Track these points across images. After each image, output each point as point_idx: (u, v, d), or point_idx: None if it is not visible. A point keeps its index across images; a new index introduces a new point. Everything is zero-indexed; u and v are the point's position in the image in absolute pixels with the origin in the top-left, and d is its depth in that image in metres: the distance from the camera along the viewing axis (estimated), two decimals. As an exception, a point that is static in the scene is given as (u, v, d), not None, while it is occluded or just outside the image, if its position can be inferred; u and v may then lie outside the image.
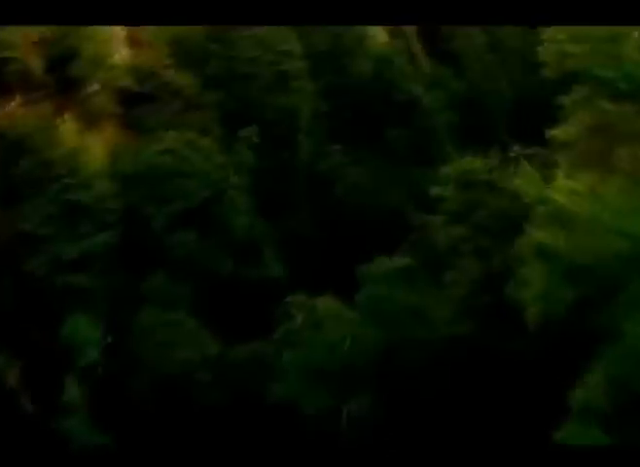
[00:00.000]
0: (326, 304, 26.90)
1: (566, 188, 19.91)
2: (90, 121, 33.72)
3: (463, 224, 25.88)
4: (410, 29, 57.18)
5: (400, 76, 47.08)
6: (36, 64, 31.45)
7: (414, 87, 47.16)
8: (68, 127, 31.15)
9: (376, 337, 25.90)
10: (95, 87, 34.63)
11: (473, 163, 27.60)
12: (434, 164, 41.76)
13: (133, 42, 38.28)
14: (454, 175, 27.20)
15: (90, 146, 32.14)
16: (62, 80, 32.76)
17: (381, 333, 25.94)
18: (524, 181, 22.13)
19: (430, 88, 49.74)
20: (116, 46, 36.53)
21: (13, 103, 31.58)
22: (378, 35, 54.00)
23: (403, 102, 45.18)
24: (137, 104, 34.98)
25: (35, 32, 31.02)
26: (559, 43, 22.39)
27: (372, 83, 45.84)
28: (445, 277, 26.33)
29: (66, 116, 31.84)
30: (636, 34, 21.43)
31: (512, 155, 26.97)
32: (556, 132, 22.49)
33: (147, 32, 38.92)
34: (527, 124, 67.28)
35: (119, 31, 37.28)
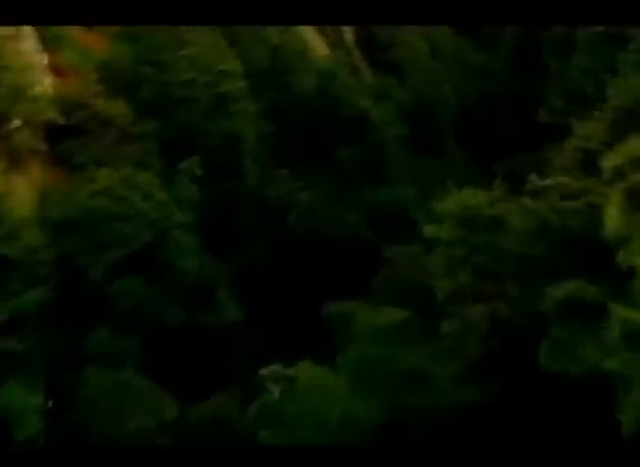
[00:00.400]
0: (306, 372, 22.99)
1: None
2: (14, 160, 30.48)
3: (465, 267, 22.39)
4: (349, 39, 55.42)
5: (344, 90, 45.08)
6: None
7: (361, 100, 45.31)
8: (-12, 170, 27.91)
9: (370, 408, 22.03)
10: (17, 122, 31.28)
11: (475, 197, 24.09)
12: (388, 182, 40.04)
13: (56, 70, 35.05)
14: (454, 211, 23.50)
15: (15, 190, 28.95)
16: (-22, 117, 29.44)
17: (376, 402, 22.17)
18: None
19: (376, 100, 47.97)
20: (37, 75, 33.21)
21: None
22: (318, 48, 52.03)
23: (350, 117, 43.16)
24: (65, 138, 31.69)
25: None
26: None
27: (316, 99, 43.71)
28: (446, 329, 22.56)
29: (-15, 157, 28.59)
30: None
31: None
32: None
33: (71, 58, 35.85)
34: (473, 129, 66.64)
35: (39, 59, 34.11)
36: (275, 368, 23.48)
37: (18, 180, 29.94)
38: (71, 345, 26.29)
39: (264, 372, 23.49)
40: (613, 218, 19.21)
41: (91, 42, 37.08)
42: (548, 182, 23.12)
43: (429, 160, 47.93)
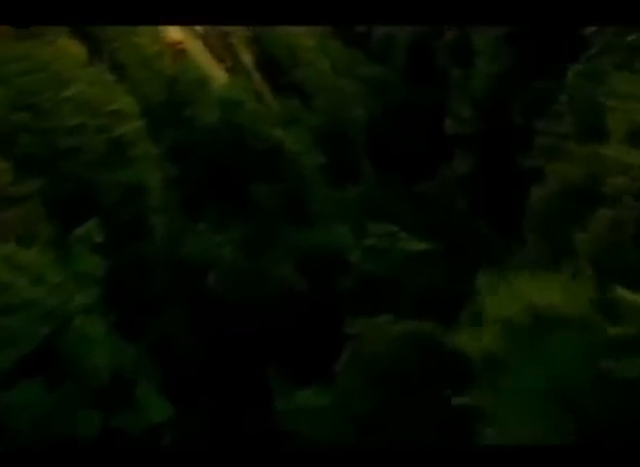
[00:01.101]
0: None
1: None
2: None
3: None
4: (249, 62, 51.29)
5: (251, 119, 40.88)
6: None
7: (270, 129, 41.23)
8: None
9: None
10: None
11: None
12: (313, 220, 36.16)
13: None
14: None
15: None
16: None
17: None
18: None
19: (285, 127, 44.04)
20: None
21: None
22: (217, 74, 47.58)
23: (262, 150, 39.01)
24: None
25: None
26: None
27: (222, 132, 39.23)
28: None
29: None
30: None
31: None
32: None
33: None
34: (383, 148, 64.14)
35: None
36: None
37: None
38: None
39: None
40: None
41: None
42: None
43: (349, 188, 44.48)
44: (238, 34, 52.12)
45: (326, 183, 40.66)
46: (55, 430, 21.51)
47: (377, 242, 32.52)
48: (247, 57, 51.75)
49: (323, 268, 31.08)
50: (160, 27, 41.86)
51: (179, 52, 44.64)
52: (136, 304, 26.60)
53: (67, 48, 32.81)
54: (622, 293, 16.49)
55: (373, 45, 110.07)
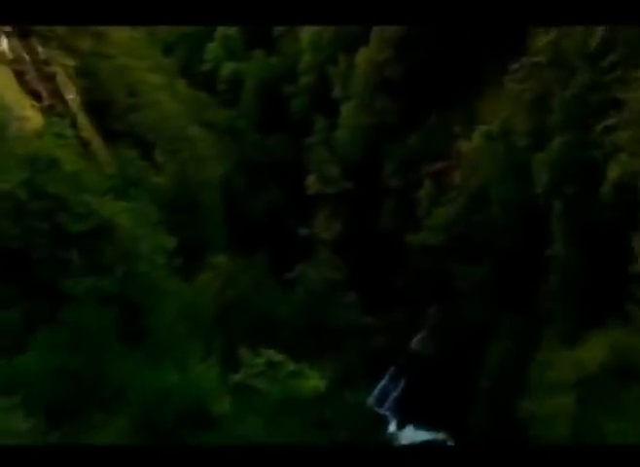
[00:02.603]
0: None
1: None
2: None
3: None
4: (76, 103, 38.65)
5: (69, 186, 28.69)
6: None
7: (97, 201, 29.09)
8: None
9: None
10: None
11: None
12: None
13: None
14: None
15: None
16: None
17: None
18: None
19: (121, 192, 32.27)
20: None
21: None
22: (29, 116, 34.51)
23: (82, 232, 27.03)
24: None
25: None
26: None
27: (26, 205, 26.74)
28: None
29: None
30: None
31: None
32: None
33: None
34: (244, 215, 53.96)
35: None
36: None
37: None
38: None
39: None
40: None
41: None
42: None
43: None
44: (62, 62, 39.61)
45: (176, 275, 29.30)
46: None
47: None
48: (72, 94, 39.12)
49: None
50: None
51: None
52: None
53: None
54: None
55: (220, 85, 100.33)
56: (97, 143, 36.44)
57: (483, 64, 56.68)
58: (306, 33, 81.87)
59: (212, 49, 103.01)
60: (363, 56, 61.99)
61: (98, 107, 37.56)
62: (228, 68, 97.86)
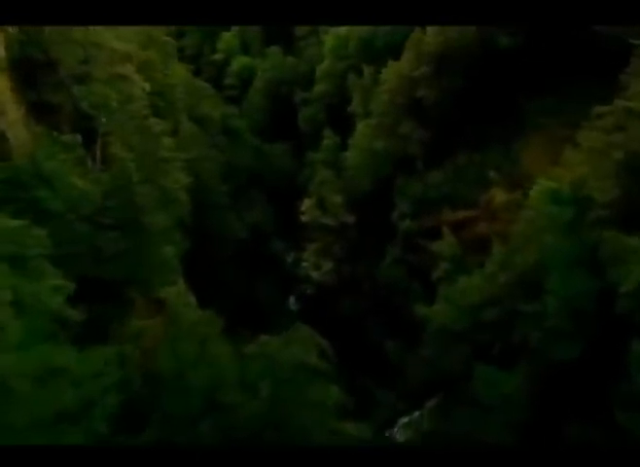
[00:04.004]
0: None
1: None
2: None
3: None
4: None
5: None
6: None
7: None
8: None
9: None
10: None
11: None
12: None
13: None
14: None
15: None
16: None
17: None
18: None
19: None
20: None
21: None
22: None
23: None
24: None
25: None
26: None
27: None
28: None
29: None
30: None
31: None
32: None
33: None
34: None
35: None
36: None
37: None
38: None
39: None
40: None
41: None
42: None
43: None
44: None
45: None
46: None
47: None
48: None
49: None
50: None
51: None
52: None
53: None
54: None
55: (228, 79, 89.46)
56: (15, 115, 25.41)
57: (529, 101, 46.75)
58: (330, 37, 71.47)
59: (227, 39, 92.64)
60: (392, 70, 51.30)
61: (31, 68, 26.62)
62: (239, 62, 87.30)
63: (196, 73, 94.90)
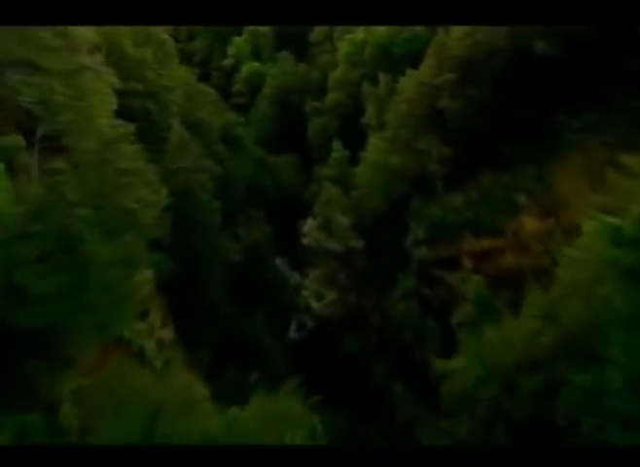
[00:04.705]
0: None
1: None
2: None
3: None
4: None
5: None
6: None
7: None
8: None
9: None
10: None
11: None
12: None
13: None
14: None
15: None
16: None
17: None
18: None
19: None
20: None
21: None
22: None
23: None
24: None
25: None
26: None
27: None
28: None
29: None
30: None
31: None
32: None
33: None
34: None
35: None
36: None
37: None
38: None
39: None
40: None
41: None
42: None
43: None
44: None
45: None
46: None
47: None
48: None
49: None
50: None
51: None
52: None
53: None
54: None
55: (237, 85, 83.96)
56: None
57: (566, 116, 40.66)
58: (345, 43, 65.85)
59: (237, 43, 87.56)
60: (412, 78, 45.41)
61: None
62: (249, 68, 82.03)
63: (205, 78, 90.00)
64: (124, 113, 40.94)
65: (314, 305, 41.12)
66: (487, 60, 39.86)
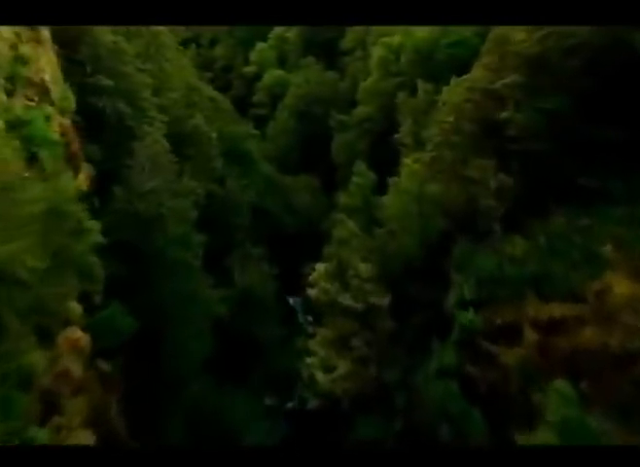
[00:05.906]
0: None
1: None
2: None
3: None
4: None
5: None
6: None
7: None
8: None
9: None
10: None
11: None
12: None
13: None
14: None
15: None
16: None
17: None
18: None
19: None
20: None
21: None
22: None
23: None
24: None
25: None
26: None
27: None
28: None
29: None
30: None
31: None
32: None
33: None
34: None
35: None
36: None
37: None
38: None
39: None
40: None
41: None
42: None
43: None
44: None
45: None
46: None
47: None
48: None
49: None
50: None
51: None
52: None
53: None
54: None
55: (258, 95, 74.94)
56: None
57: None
58: (379, 47, 55.76)
59: (261, 50, 78.19)
60: (460, 84, 35.03)
61: None
62: (272, 75, 72.42)
63: (226, 88, 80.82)
64: (84, 113, 31.40)
65: (321, 377, 30.44)
66: (567, 60, 29.15)
